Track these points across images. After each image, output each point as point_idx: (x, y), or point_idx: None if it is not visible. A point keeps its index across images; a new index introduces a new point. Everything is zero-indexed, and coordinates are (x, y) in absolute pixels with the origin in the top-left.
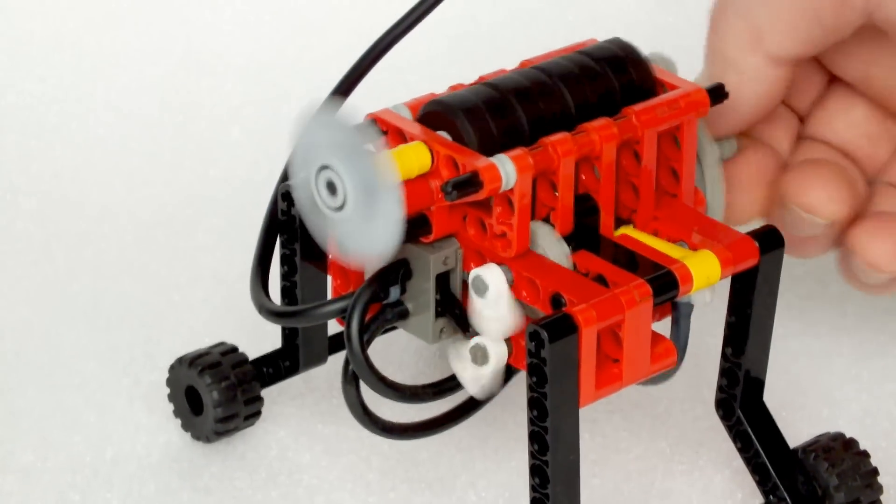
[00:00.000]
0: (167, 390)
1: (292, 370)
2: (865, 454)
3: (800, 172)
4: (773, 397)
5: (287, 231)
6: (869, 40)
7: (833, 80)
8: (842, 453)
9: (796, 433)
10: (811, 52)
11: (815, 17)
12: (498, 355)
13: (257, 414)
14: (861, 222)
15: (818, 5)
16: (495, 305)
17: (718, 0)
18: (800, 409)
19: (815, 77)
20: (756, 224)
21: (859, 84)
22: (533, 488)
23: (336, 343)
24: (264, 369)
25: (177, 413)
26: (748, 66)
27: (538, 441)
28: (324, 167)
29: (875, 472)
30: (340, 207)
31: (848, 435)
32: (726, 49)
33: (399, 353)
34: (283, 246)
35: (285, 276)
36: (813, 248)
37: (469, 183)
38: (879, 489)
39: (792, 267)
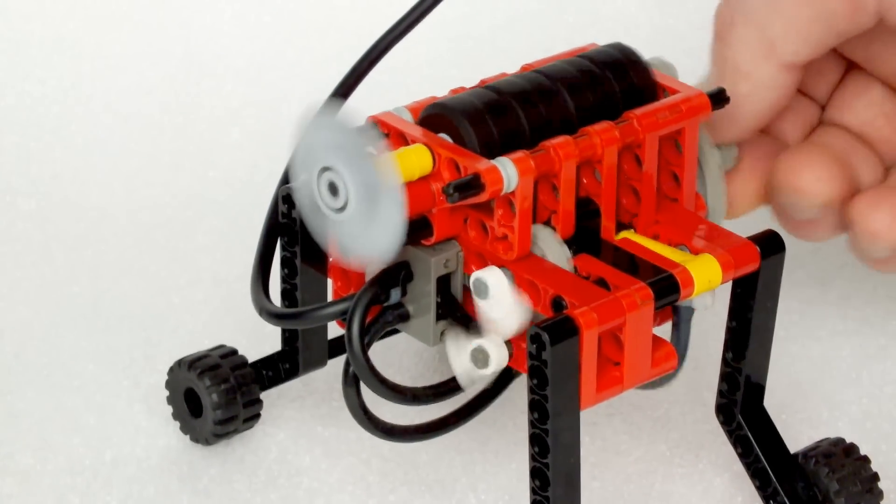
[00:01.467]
0: (167, 393)
1: (292, 373)
2: (866, 459)
3: (789, 155)
4: (774, 400)
5: (287, 234)
6: (882, 31)
7: (852, 64)
8: (842, 458)
9: (796, 436)
10: (823, 53)
11: (828, 23)
12: (498, 359)
13: (256, 416)
14: (862, 193)
15: (831, 11)
16: (497, 307)
17: (723, 11)
18: (800, 411)
19: (832, 63)
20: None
21: (875, 69)
22: (533, 491)
23: (336, 346)
24: (264, 372)
25: (176, 415)
26: (762, 76)
27: (539, 444)
28: (326, 169)
29: (875, 477)
30: (342, 209)
31: (848, 438)
32: (739, 60)
33: (399, 355)
34: (283, 248)
35: (286, 279)
36: (817, 231)
37: (470, 185)
38: (880, 494)
39: (792, 270)
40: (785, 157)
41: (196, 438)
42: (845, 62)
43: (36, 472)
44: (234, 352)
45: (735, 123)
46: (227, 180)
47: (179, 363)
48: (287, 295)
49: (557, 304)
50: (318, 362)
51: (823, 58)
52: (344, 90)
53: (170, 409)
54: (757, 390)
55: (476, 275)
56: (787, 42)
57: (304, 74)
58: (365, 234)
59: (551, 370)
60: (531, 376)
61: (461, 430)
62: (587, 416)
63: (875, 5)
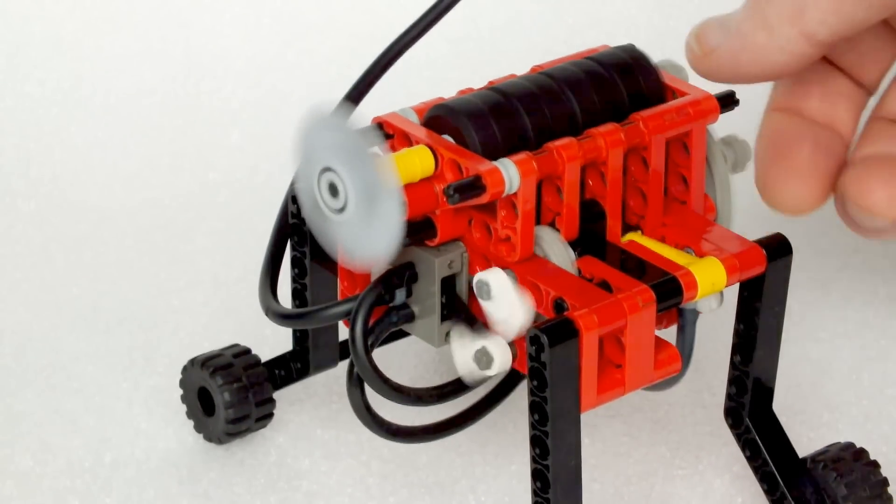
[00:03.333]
0: (167, 394)
1: (303, 373)
2: (875, 465)
3: (860, 172)
4: (774, 402)
5: (297, 233)
6: None
7: None
8: (851, 464)
9: (796, 437)
10: (848, 33)
11: None
12: (502, 361)
13: (269, 416)
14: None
15: None
16: (500, 308)
17: None
18: (800, 413)
19: (889, 45)
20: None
21: None
22: (534, 493)
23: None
24: (276, 371)
25: (190, 414)
26: (781, 36)
27: (539, 445)
28: (326, 169)
29: (885, 482)
30: (342, 209)
31: (848, 440)
32: (768, 13)
33: (399, 356)
34: (293, 248)
35: (296, 279)
36: (885, 237)
37: (471, 186)
38: (889, 500)
39: (793, 272)
40: (855, 174)
41: (209, 437)
42: None
43: (35, 474)
44: (247, 351)
45: (740, 67)
46: (226, 182)
47: (192, 362)
48: (297, 295)
49: (559, 305)
50: (330, 362)
51: (876, 36)
52: (356, 95)
53: (169, 411)
54: (765, 393)
55: (478, 276)
56: (817, 10)
57: (304, 76)
58: (364, 235)
59: (551, 372)
60: (531, 378)
61: (461, 431)
62: (587, 418)
63: None
